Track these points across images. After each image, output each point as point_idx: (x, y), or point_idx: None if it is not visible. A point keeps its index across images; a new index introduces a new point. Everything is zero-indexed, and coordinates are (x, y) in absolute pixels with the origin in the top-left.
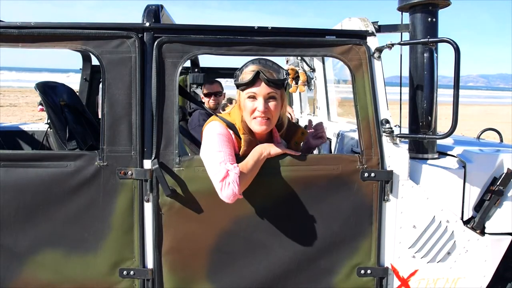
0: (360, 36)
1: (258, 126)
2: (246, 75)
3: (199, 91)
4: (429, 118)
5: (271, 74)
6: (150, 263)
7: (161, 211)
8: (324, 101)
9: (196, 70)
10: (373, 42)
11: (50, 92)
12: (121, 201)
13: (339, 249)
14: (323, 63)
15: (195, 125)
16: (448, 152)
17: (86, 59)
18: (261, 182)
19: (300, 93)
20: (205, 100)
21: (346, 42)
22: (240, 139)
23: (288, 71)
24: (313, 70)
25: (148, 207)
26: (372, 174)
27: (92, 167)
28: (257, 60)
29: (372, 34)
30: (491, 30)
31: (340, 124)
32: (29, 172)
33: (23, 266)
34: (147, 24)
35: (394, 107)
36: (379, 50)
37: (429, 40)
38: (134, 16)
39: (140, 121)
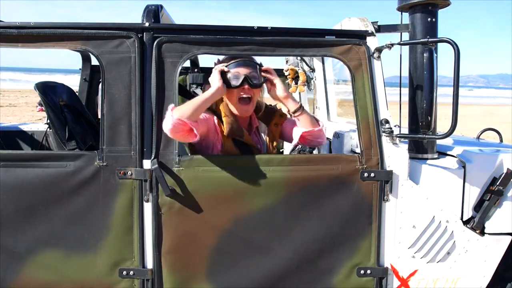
0: (359, 36)
1: (243, 108)
2: (236, 80)
3: (199, 91)
4: (429, 118)
5: (254, 76)
6: (149, 263)
7: (161, 211)
8: (324, 101)
9: (195, 70)
10: (372, 42)
11: (49, 92)
12: (121, 201)
13: (339, 249)
14: (323, 63)
15: None
16: (448, 152)
17: (85, 59)
18: (261, 182)
19: (300, 93)
20: None
21: (345, 42)
22: (223, 123)
23: (288, 71)
24: (313, 70)
25: (148, 207)
26: (372, 174)
27: (91, 167)
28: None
29: (372, 34)
30: (491, 30)
31: (339, 124)
32: (28, 172)
33: (23, 266)
34: (147, 24)
35: (394, 107)
36: (379, 50)
37: (429, 40)
38: (134, 16)
39: (139, 121)
